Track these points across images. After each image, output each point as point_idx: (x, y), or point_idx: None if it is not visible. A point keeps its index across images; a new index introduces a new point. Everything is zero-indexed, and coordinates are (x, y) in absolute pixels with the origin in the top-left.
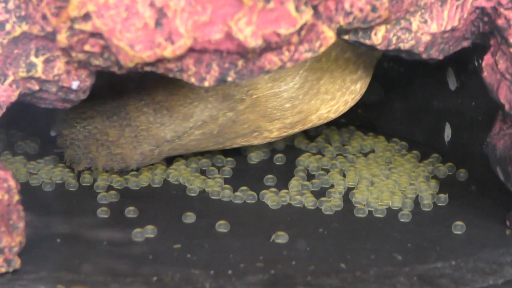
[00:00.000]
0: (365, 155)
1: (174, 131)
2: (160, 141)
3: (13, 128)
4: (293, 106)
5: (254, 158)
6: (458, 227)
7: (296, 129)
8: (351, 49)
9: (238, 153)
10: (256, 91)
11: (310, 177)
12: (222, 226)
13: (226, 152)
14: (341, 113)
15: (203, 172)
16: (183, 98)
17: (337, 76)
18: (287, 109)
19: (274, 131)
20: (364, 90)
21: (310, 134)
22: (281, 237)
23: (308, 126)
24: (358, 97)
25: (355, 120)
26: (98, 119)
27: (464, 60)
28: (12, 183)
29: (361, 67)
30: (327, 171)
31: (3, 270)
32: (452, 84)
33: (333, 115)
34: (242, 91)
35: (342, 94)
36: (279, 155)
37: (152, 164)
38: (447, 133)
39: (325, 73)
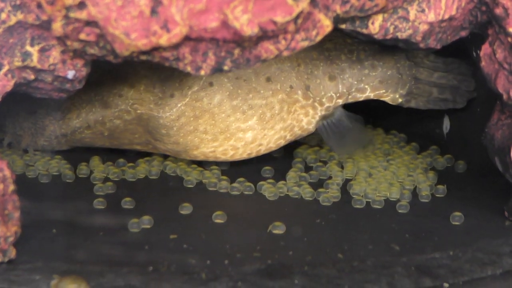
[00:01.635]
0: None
1: (63, 128)
2: (55, 133)
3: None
4: (168, 135)
5: None
6: (457, 218)
7: (183, 157)
8: (241, 97)
9: None
10: (140, 106)
11: (308, 168)
12: (219, 217)
13: None
14: (241, 157)
15: (200, 164)
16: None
17: (219, 120)
18: (164, 135)
19: (162, 149)
20: (264, 141)
21: None
22: (278, 228)
23: (195, 159)
24: (256, 147)
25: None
26: None
27: (463, 52)
28: (7, 172)
29: (254, 119)
30: (325, 162)
31: None
32: None
33: (224, 157)
34: (127, 102)
35: (226, 139)
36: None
37: (150, 156)
38: (446, 125)
39: (205, 113)
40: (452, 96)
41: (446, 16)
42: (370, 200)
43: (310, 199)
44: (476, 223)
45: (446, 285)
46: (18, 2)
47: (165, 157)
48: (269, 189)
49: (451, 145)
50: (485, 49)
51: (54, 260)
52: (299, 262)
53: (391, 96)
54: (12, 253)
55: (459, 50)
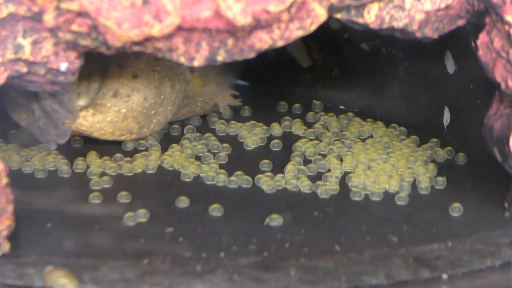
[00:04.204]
0: (363, 140)
1: None
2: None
3: (6, 117)
4: None
5: (251, 144)
6: (456, 209)
7: None
8: None
9: (235, 139)
10: None
11: (306, 162)
12: (215, 210)
13: (222, 139)
14: None
15: (198, 158)
16: None
17: None
18: None
19: None
20: None
21: (308, 121)
22: (275, 220)
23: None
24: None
25: (354, 106)
26: None
27: (462, 43)
28: (0, 166)
29: None
30: (324, 156)
31: None
32: (451, 68)
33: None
34: None
35: None
36: (276, 141)
37: (147, 150)
38: (446, 117)
39: None
40: None
41: (443, 5)
42: (369, 193)
43: (309, 192)
44: (476, 214)
45: (444, 276)
46: None
47: (163, 151)
48: (267, 182)
49: (451, 138)
50: (483, 38)
51: (48, 254)
52: (295, 254)
53: None
54: (6, 247)
55: None
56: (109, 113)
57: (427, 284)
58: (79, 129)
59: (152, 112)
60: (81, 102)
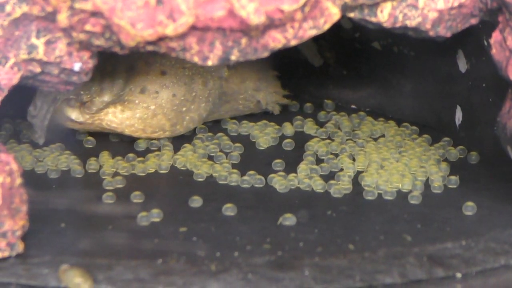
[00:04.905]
0: (375, 139)
1: None
2: None
3: (19, 117)
4: None
5: (263, 143)
6: (469, 208)
7: None
8: None
9: (247, 139)
10: None
11: (319, 161)
12: (229, 210)
13: (234, 138)
14: None
15: (210, 158)
16: None
17: None
18: None
19: None
20: None
21: (320, 121)
22: (288, 220)
23: None
24: None
25: (365, 105)
26: None
27: (474, 42)
28: (14, 166)
29: None
30: (337, 155)
31: (6, 254)
32: (463, 67)
33: None
34: None
35: None
36: (288, 140)
37: (159, 150)
38: (458, 116)
39: None
40: None
41: (456, 4)
42: (382, 192)
43: (321, 191)
44: (489, 213)
45: (458, 275)
46: None
47: (175, 151)
48: (279, 182)
49: (464, 136)
50: (496, 36)
51: (62, 253)
52: (309, 253)
53: None
54: (20, 247)
55: None
56: (138, 110)
57: (441, 283)
58: (110, 126)
59: (184, 109)
60: (105, 97)
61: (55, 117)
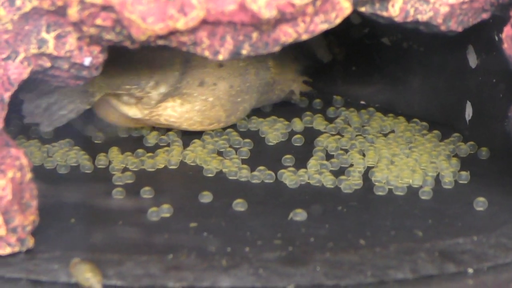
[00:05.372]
0: (385, 135)
1: None
2: None
3: None
4: None
5: (272, 139)
6: (480, 204)
7: None
8: None
9: (256, 134)
10: None
11: (329, 157)
12: (239, 205)
13: (243, 134)
14: None
15: (220, 154)
16: None
17: None
18: None
19: None
20: None
21: (329, 116)
22: (299, 215)
23: None
24: None
25: (375, 101)
26: None
27: (485, 37)
28: (24, 161)
29: None
30: (346, 151)
31: (16, 249)
32: (473, 62)
33: None
34: None
35: None
36: (297, 136)
37: (169, 146)
38: (468, 112)
39: None
40: None
41: None
42: (392, 187)
43: (332, 186)
44: (500, 208)
45: (470, 270)
46: None
47: (184, 147)
48: (289, 177)
49: (474, 132)
50: (507, 31)
51: (72, 249)
52: (320, 249)
53: None
54: (30, 242)
55: None
56: (197, 102)
57: (453, 278)
58: (169, 121)
59: (239, 99)
60: (162, 89)
61: (96, 116)
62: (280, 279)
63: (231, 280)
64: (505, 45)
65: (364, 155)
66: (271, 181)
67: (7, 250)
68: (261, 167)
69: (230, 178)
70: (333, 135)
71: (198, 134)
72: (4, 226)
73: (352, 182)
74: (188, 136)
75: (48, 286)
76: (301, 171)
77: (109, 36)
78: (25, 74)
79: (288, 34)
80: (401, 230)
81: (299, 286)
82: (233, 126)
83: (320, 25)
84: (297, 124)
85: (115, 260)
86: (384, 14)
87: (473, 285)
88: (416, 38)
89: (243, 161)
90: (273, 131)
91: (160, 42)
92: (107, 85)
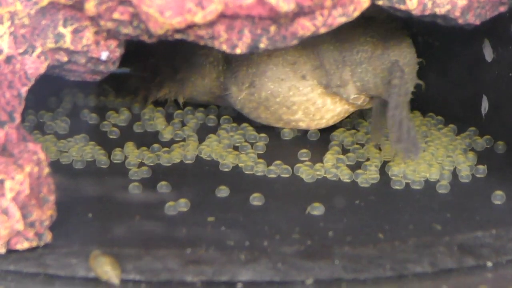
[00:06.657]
0: None
1: None
2: None
3: (42, 109)
4: None
5: (288, 134)
6: (498, 197)
7: None
8: None
9: (271, 129)
10: None
11: (345, 151)
12: (256, 199)
13: (258, 129)
14: None
15: (236, 148)
16: None
17: None
18: None
19: None
20: None
21: None
22: (317, 209)
23: None
24: None
25: None
26: None
27: (501, 31)
28: (42, 155)
29: None
30: (362, 145)
31: (34, 244)
32: (489, 56)
33: None
34: None
35: None
36: (313, 131)
37: (184, 141)
38: (484, 106)
39: None
40: None
41: None
42: (409, 181)
43: (348, 181)
44: None
45: (489, 264)
46: None
47: (200, 141)
48: (306, 172)
49: (490, 126)
50: None
51: (90, 243)
52: (339, 243)
53: None
54: (48, 237)
55: None
56: None
57: (472, 272)
58: None
59: None
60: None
61: None
62: (299, 273)
63: (249, 274)
64: None
65: (380, 149)
66: (288, 175)
67: (25, 245)
68: (278, 162)
69: (246, 172)
70: (348, 129)
71: (214, 129)
72: (22, 220)
73: (369, 176)
74: (204, 131)
75: (66, 281)
76: (318, 165)
77: (127, 30)
78: (42, 69)
79: (306, 27)
80: (419, 224)
81: (318, 280)
82: (248, 121)
83: (338, 18)
84: None
85: (133, 254)
86: (402, 7)
87: (492, 279)
88: (431, 32)
89: (259, 156)
90: None
91: (177, 36)
92: None
